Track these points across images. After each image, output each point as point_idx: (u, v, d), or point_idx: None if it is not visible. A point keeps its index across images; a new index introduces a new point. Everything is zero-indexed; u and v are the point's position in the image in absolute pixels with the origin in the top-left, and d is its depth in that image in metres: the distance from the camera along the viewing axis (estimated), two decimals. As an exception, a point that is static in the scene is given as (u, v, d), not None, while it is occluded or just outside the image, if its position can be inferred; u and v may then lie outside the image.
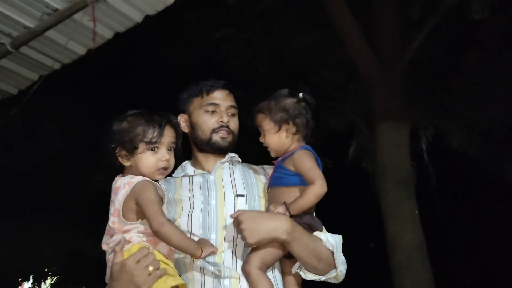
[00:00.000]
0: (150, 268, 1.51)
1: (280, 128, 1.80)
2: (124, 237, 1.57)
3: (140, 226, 1.60)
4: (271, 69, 6.33)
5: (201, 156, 1.98)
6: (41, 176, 7.23)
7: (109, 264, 1.63)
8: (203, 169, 1.96)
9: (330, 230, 1.85)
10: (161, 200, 1.65)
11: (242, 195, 1.83)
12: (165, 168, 1.69)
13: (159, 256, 1.60)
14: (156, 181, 1.76)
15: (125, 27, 3.17)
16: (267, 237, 1.63)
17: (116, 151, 1.67)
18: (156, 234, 1.58)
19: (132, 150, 1.66)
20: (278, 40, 6.40)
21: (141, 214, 1.59)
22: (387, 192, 5.39)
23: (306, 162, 1.74)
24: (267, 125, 1.82)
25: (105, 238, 1.67)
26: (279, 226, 1.63)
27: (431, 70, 6.23)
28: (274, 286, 1.70)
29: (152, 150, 1.66)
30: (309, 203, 1.69)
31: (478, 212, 7.47)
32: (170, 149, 1.71)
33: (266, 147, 1.87)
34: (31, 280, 12.48)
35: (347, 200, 7.21)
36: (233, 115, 1.98)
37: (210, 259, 1.68)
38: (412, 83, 5.78)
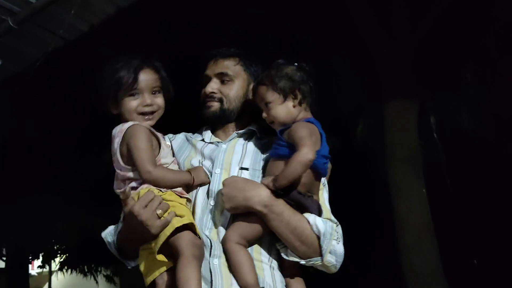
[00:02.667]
0: (158, 212, 1.51)
1: (286, 97, 1.70)
2: (130, 187, 1.60)
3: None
4: (278, 49, 6.23)
5: (219, 125, 1.96)
6: (49, 154, 7.24)
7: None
8: (220, 138, 1.93)
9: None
10: (152, 143, 1.66)
11: (246, 169, 1.78)
12: (149, 113, 1.69)
13: (172, 196, 1.61)
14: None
15: (128, 1, 3.12)
16: (242, 205, 1.59)
17: (104, 101, 1.69)
18: (148, 182, 1.60)
19: (114, 98, 1.67)
20: (285, 18, 6.28)
21: None
22: (394, 171, 5.35)
23: (298, 132, 1.62)
24: (271, 96, 1.71)
25: (115, 184, 1.70)
26: (254, 195, 1.58)
27: (442, 48, 6.12)
28: (270, 272, 1.66)
29: (132, 95, 1.66)
30: (295, 172, 1.58)
31: (486, 191, 7.41)
32: (154, 93, 1.70)
33: (271, 123, 1.77)
34: (41, 258, 12.69)
35: (355, 179, 7.18)
36: (225, 81, 1.90)
37: (204, 234, 1.66)
38: (422, 61, 5.68)
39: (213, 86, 1.89)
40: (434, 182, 6.00)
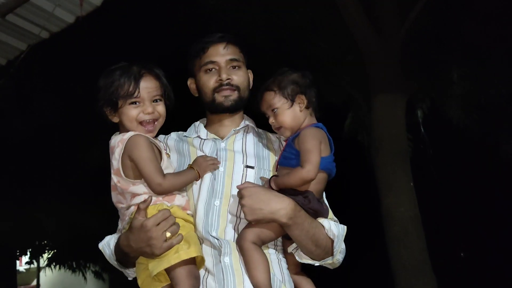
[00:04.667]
0: (168, 234, 1.50)
1: (293, 102, 1.71)
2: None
3: (147, 187, 1.59)
4: (267, 42, 6.24)
5: (215, 119, 1.88)
6: (37, 149, 7.17)
7: (123, 217, 1.65)
8: (216, 134, 1.86)
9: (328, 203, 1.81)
10: (157, 153, 1.63)
11: (252, 167, 1.74)
12: (150, 121, 1.64)
13: (179, 212, 1.59)
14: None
15: (114, -7, 3.09)
16: (266, 218, 1.57)
17: (104, 109, 1.64)
18: (159, 194, 1.58)
19: (114, 106, 1.62)
20: (275, 11, 6.28)
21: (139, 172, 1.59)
22: (382, 164, 5.38)
23: (306, 143, 1.64)
24: (278, 102, 1.71)
25: (114, 196, 1.66)
26: (280, 209, 1.57)
27: (428, 42, 6.16)
28: (278, 264, 1.67)
29: (133, 103, 1.62)
30: (293, 184, 1.62)
31: (473, 184, 7.49)
32: (155, 101, 1.65)
33: (278, 129, 1.75)
34: (28, 254, 12.58)
35: (343, 172, 7.21)
36: (236, 67, 1.82)
37: (212, 233, 1.63)
38: (409, 55, 5.71)
39: (229, 72, 1.80)
40: (422, 175, 6.05)
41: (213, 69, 1.80)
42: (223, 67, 1.80)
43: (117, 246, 1.64)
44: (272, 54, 6.01)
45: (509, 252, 7.09)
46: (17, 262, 13.30)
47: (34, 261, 13.73)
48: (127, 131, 1.62)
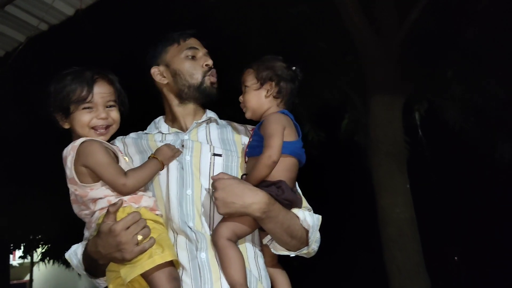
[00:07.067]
0: (139, 238, 1.45)
1: (262, 85, 1.74)
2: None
3: (107, 189, 1.54)
4: (265, 41, 6.24)
5: (178, 112, 1.86)
6: (31, 142, 7.14)
7: (89, 225, 1.60)
8: (178, 128, 1.85)
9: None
10: (113, 156, 1.59)
11: (219, 155, 1.73)
12: (103, 126, 1.60)
13: (147, 214, 1.54)
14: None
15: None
16: (239, 212, 1.55)
17: (54, 115, 1.60)
18: (127, 194, 1.54)
19: (65, 111, 1.58)
20: (272, 9, 6.28)
21: (97, 177, 1.54)
22: (379, 165, 5.38)
23: (268, 128, 1.65)
24: (250, 80, 1.76)
25: (76, 207, 1.61)
26: (253, 203, 1.54)
27: (427, 44, 6.17)
28: (254, 260, 1.66)
29: (86, 109, 1.58)
30: (261, 174, 1.61)
31: (469, 187, 7.50)
32: (109, 107, 1.62)
33: (243, 106, 1.79)
34: (22, 249, 12.54)
35: (339, 173, 7.22)
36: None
37: (189, 224, 1.61)
38: (408, 57, 5.72)
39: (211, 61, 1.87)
40: (418, 177, 6.06)
41: (194, 56, 1.85)
42: (203, 56, 1.86)
43: (85, 253, 1.58)
44: (270, 53, 5.99)
45: (504, 255, 7.12)
46: (11, 256, 13.26)
47: (28, 255, 13.69)
48: (79, 137, 1.58)
